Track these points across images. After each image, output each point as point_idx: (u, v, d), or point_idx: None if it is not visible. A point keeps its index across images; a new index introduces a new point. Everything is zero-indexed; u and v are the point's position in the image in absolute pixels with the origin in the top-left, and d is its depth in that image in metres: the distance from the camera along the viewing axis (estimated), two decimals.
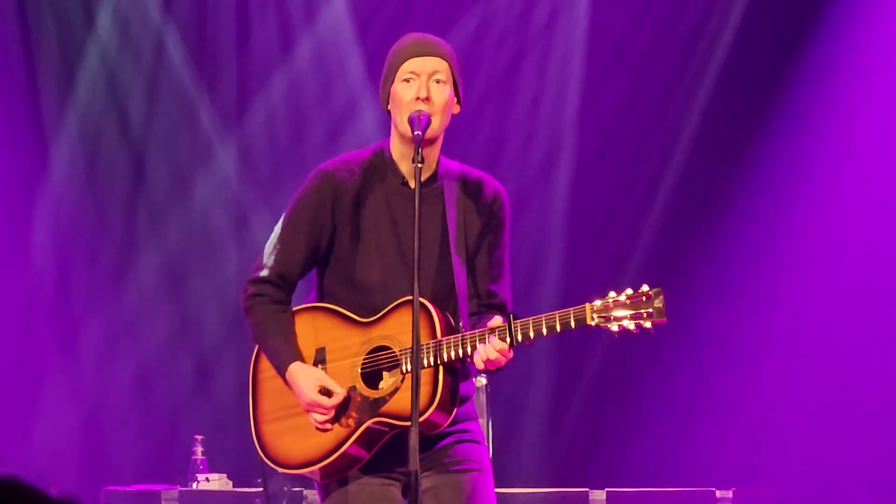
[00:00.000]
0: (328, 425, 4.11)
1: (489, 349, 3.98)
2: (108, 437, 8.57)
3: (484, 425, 6.83)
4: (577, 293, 4.18)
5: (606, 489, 7.20)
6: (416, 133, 4.08)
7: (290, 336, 4.20)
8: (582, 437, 8.38)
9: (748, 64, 8.33)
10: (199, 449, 7.67)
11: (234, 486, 7.57)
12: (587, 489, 7.21)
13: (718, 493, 7.15)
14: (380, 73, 4.33)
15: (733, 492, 7.14)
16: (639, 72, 8.44)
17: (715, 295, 8.22)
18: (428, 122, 4.11)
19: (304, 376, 4.13)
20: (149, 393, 8.64)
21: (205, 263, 8.74)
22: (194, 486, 7.51)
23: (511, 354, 4.01)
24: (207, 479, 7.53)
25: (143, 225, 8.76)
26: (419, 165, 4.06)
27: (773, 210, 8.22)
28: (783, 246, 8.17)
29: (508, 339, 3.98)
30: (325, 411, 4.09)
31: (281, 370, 4.17)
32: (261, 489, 7.10)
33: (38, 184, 8.68)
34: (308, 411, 4.12)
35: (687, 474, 7.66)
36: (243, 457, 7.63)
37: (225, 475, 7.62)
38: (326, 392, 4.10)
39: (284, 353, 4.17)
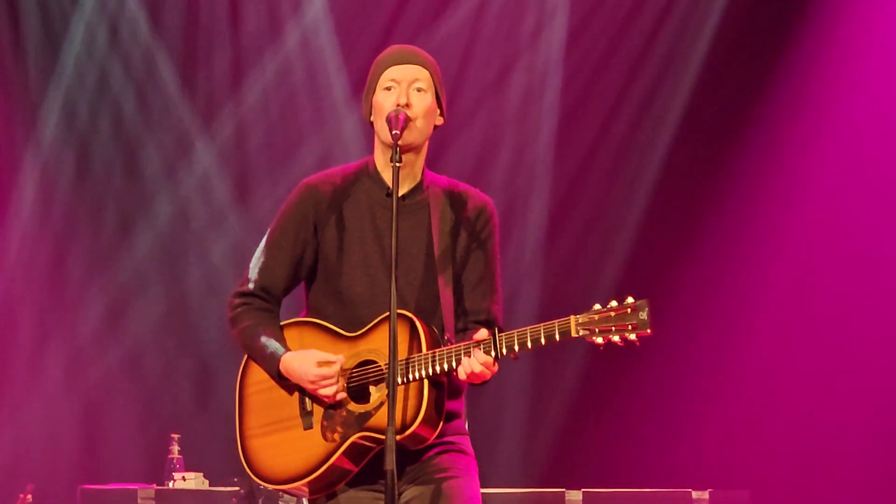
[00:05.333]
0: (329, 391, 4.04)
1: (473, 363, 3.94)
2: (84, 436, 8.53)
3: None
4: (557, 304, 4.16)
5: (583, 490, 7.19)
6: (394, 132, 4.06)
7: (280, 334, 4.18)
8: (559, 437, 8.38)
9: (726, 67, 8.34)
10: (175, 448, 7.64)
11: (210, 485, 7.54)
12: (563, 489, 7.20)
13: (694, 494, 7.15)
14: (363, 79, 4.33)
15: (709, 493, 7.15)
16: (618, 79, 8.44)
17: (693, 300, 8.24)
18: (406, 121, 4.09)
19: (299, 359, 4.10)
20: (124, 391, 8.60)
21: (187, 255, 8.72)
22: (171, 484, 7.47)
23: (496, 368, 3.98)
24: (184, 478, 7.50)
25: (127, 214, 8.76)
26: (397, 165, 4.04)
27: (751, 217, 8.25)
28: (761, 253, 8.18)
29: (493, 353, 3.95)
30: (331, 381, 4.06)
31: (273, 365, 4.14)
32: (237, 488, 7.09)
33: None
34: (314, 389, 4.07)
35: (663, 475, 7.67)
36: (220, 455, 7.60)
37: (201, 474, 7.59)
38: (325, 365, 4.06)
39: (274, 348, 4.15)
